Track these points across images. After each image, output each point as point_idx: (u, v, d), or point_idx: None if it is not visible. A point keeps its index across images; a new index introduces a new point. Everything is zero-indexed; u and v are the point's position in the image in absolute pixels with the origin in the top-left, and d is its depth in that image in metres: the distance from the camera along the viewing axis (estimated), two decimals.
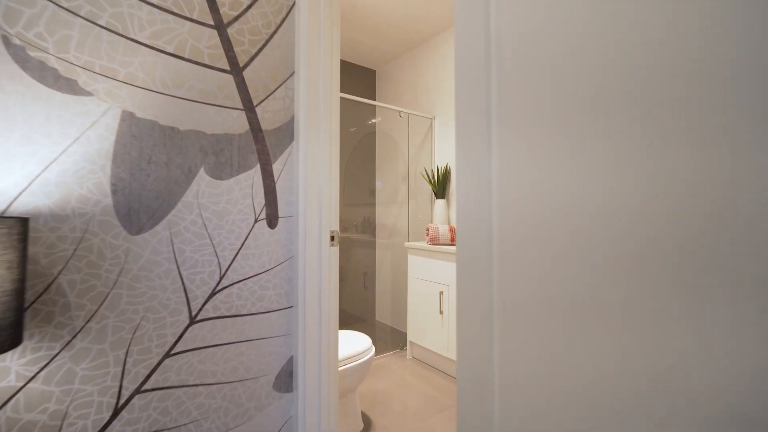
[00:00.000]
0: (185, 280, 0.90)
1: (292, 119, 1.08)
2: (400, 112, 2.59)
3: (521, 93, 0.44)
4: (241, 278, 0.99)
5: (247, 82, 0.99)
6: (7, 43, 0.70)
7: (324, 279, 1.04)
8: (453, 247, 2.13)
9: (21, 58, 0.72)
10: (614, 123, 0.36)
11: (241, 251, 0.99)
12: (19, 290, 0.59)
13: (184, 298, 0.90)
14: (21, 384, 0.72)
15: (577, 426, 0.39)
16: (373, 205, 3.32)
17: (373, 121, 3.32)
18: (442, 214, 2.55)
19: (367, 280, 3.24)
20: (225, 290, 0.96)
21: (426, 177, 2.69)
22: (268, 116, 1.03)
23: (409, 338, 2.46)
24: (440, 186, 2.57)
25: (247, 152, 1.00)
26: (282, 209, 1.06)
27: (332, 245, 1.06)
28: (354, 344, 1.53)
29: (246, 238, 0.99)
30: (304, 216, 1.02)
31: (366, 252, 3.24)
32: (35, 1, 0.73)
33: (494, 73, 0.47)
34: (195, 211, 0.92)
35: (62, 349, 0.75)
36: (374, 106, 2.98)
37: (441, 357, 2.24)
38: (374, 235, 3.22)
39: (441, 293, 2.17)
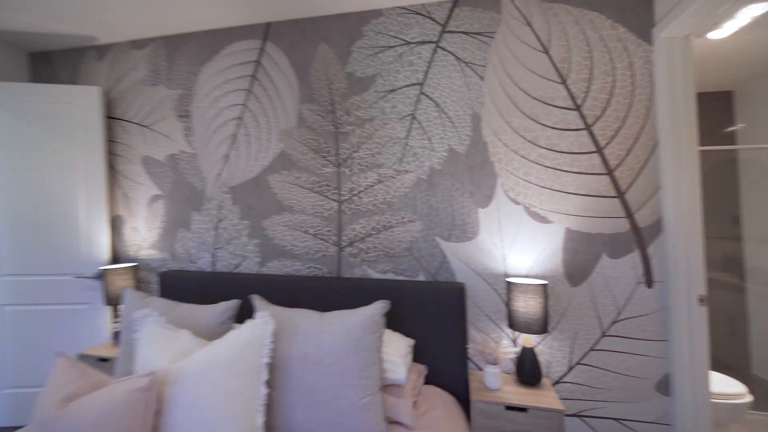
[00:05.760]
0: (599, 310, 1.71)
1: (659, 220, 1.67)
2: None
3: None
4: (632, 315, 1.68)
5: (627, 201, 1.70)
6: (513, 200, 1.81)
7: (694, 330, 1.54)
8: None
9: (514, 201, 1.80)
10: None
11: (630, 301, 1.69)
12: (544, 315, 1.61)
13: (598, 323, 1.71)
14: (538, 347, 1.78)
15: None
16: (738, 240, 2.97)
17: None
18: None
19: (736, 326, 2.94)
20: (620, 323, 1.69)
21: None
22: (640, 219, 1.69)
23: None
24: None
25: (629, 242, 1.70)
26: (656, 276, 1.66)
27: (701, 305, 1.53)
28: (724, 385, 1.81)
29: (633, 294, 1.69)
30: (674, 282, 1.58)
31: (729, 295, 2.95)
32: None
33: None
34: (600, 278, 1.72)
35: (551, 333, 1.76)
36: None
37: None
38: (742, 278, 2.89)
39: None
